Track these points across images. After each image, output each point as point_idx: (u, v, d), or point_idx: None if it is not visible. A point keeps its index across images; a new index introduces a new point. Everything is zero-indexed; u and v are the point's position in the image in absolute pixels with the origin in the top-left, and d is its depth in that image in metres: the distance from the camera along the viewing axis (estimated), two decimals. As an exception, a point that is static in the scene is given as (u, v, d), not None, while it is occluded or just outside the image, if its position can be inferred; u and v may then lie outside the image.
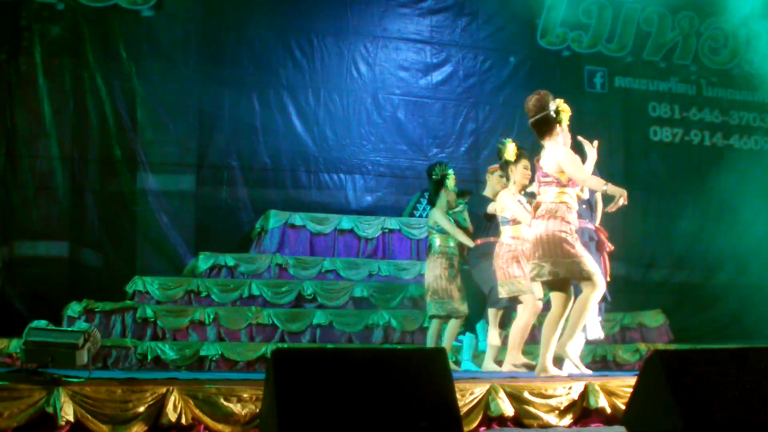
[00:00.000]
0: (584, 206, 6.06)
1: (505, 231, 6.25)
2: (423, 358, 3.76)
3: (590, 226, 6.22)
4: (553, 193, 5.32)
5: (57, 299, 8.22)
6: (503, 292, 6.22)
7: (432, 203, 6.96)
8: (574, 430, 4.84)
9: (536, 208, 5.45)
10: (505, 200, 6.22)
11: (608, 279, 6.20)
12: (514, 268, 6.14)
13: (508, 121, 10.73)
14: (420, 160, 10.35)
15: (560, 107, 5.38)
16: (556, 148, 5.33)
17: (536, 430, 4.77)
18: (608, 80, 11.31)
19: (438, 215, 6.79)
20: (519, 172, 6.23)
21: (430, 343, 6.82)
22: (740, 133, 11.79)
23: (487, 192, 6.78)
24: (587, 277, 5.24)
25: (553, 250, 5.24)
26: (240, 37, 9.84)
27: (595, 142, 5.80)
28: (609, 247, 6.33)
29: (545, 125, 5.39)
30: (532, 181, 6.15)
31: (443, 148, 10.47)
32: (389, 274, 8.93)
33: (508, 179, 6.30)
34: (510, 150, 6.20)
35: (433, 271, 6.77)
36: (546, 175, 5.34)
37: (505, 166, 6.30)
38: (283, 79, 10.00)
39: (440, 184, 6.88)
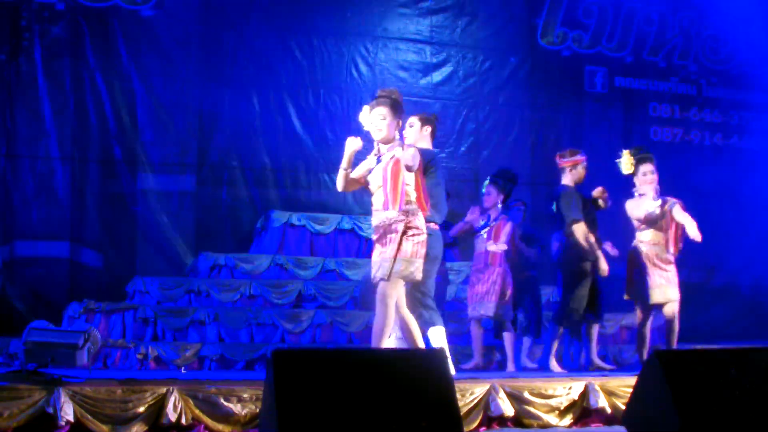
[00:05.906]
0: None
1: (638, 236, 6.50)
2: (423, 358, 3.76)
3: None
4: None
5: (57, 299, 8.22)
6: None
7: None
8: (574, 430, 4.84)
9: None
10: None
11: None
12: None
13: (508, 121, 10.73)
14: (419, 161, 10.34)
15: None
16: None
17: (536, 430, 4.78)
18: (608, 80, 11.30)
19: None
20: (639, 179, 6.53)
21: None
22: (740, 133, 11.77)
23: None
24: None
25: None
26: (240, 37, 9.81)
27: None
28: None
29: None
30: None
31: (443, 148, 10.42)
32: (389, 274, 8.91)
33: None
34: (625, 163, 6.44)
35: None
36: None
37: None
38: (283, 79, 9.97)
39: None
